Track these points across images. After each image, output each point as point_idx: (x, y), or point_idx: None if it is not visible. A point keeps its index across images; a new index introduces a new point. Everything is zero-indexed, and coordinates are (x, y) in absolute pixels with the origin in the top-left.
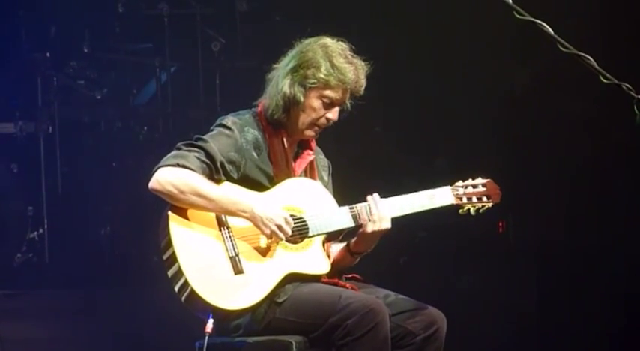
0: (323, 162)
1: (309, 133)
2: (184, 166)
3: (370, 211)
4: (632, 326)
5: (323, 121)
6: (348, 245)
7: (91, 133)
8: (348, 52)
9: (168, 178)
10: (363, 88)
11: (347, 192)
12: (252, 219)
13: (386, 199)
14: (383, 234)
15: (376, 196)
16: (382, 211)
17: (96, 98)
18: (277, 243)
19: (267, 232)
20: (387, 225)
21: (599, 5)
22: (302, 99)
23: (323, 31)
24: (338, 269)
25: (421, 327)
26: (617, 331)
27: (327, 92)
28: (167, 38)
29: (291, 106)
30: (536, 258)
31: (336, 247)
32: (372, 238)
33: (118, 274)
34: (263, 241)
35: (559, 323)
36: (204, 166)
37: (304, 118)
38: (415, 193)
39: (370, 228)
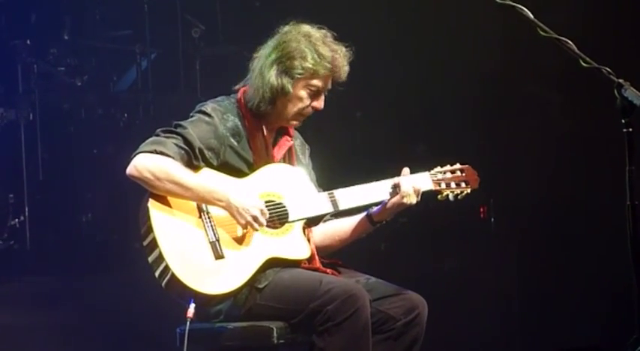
0: (301, 145)
1: (295, 122)
2: (162, 153)
3: (400, 186)
4: (614, 308)
5: (309, 110)
6: (368, 215)
7: (72, 120)
8: (331, 40)
9: (145, 164)
10: (346, 74)
11: (327, 177)
12: (228, 208)
13: (363, 185)
14: (407, 207)
15: (406, 170)
16: (411, 186)
17: (76, 85)
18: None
19: (243, 222)
20: (413, 200)
21: None
22: (291, 90)
23: (303, 17)
24: (354, 238)
25: (402, 312)
26: (599, 314)
27: (314, 81)
28: (147, 25)
29: (278, 97)
30: (518, 243)
31: (351, 219)
32: (395, 210)
33: (100, 261)
34: (241, 229)
35: (540, 308)
36: (183, 152)
37: (291, 109)
38: (394, 179)
39: (397, 200)
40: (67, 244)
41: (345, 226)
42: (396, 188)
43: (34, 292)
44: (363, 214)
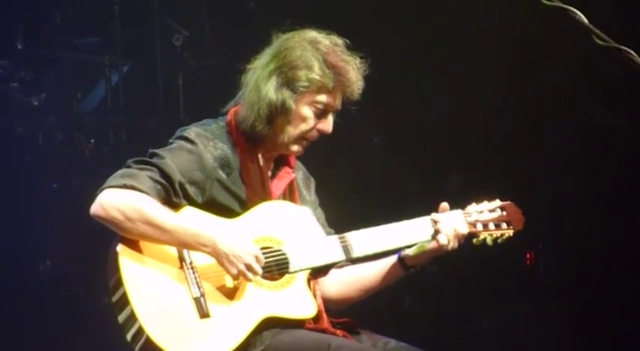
0: (304, 178)
1: (296, 148)
2: (133, 188)
3: (446, 225)
4: None
5: (314, 133)
6: (401, 258)
7: (27, 147)
8: (342, 48)
9: (113, 202)
10: (360, 90)
11: (339, 216)
12: (216, 255)
13: (382, 227)
14: (444, 253)
15: (445, 205)
16: (452, 227)
17: (32, 105)
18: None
19: (234, 272)
20: (454, 244)
21: None
22: (292, 106)
23: (308, 22)
24: (379, 287)
25: None
26: None
27: (321, 97)
28: (118, 30)
29: (277, 115)
30: (572, 295)
31: (376, 264)
32: (432, 254)
33: (60, 317)
34: (231, 280)
35: None
36: (159, 187)
37: (292, 131)
38: (417, 219)
39: (443, 243)
40: (21, 297)
41: (368, 272)
42: (434, 228)
43: None
44: (393, 258)
